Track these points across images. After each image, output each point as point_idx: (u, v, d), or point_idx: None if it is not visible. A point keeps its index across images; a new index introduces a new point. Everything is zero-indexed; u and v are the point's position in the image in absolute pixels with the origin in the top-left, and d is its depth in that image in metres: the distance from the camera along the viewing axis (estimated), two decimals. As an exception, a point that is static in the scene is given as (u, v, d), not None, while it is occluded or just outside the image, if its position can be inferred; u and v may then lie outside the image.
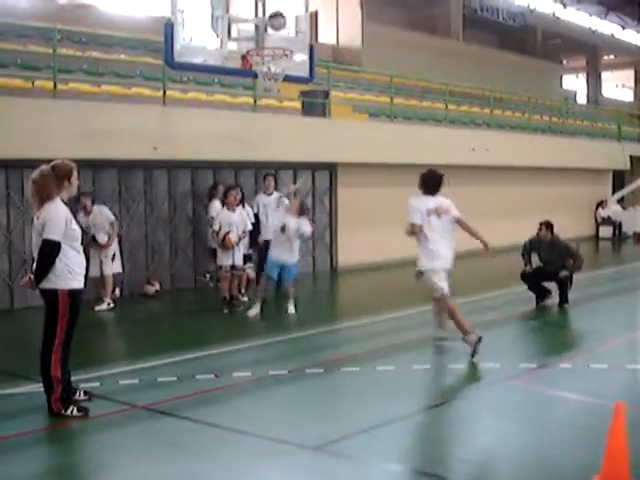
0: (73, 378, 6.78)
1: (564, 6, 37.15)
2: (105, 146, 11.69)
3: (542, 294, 11.98)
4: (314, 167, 15.71)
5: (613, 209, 25.32)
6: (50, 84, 12.26)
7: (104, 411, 6.63)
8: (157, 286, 12.81)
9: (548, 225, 12.05)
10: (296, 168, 15.22)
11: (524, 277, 12.02)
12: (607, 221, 24.96)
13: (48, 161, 6.54)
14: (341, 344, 9.67)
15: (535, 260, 12.14)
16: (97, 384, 7.36)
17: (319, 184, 15.99)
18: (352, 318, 11.19)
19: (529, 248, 12.19)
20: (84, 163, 11.66)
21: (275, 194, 12.69)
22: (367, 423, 6.28)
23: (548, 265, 11.93)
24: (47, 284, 6.34)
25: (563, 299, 11.83)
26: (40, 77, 13.50)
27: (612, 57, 45.77)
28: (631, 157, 26.61)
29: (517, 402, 7.09)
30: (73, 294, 6.41)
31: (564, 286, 11.82)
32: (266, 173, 13.08)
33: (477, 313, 11.06)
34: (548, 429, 6.21)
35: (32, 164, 7.12)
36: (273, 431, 6.10)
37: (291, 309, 11.20)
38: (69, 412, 6.39)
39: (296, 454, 5.67)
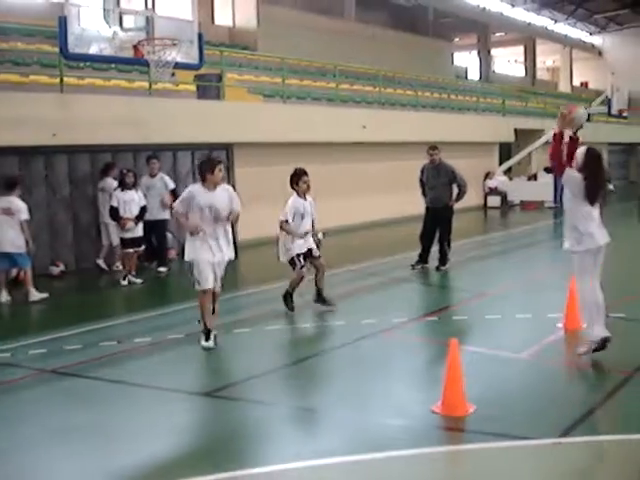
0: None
1: (454, -15, 38.60)
2: (4, 134, 12.14)
3: (423, 257, 13.06)
4: (211, 147, 16.41)
5: (500, 180, 26.88)
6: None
7: (14, 377, 7.34)
8: (62, 266, 13.38)
9: (434, 147, 13.14)
10: (194, 149, 15.93)
11: (421, 239, 13.05)
12: (494, 191, 26.47)
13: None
14: (237, 310, 10.52)
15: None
16: (8, 355, 8.03)
17: (216, 164, 16.69)
18: (248, 286, 12.10)
19: (421, 174, 13.23)
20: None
21: (159, 175, 13.40)
22: (251, 373, 7.22)
23: (434, 191, 12.91)
24: None
25: (442, 262, 12.97)
26: None
27: (502, 34, 47.53)
28: (517, 130, 28.24)
29: (383, 349, 8.12)
30: None
31: (443, 248, 12.94)
32: (149, 155, 13.69)
33: (362, 279, 12.18)
34: (398, 367, 7.36)
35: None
36: (167, 383, 6.96)
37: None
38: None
39: (187, 400, 6.55)
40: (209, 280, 8.10)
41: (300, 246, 9.66)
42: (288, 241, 9.65)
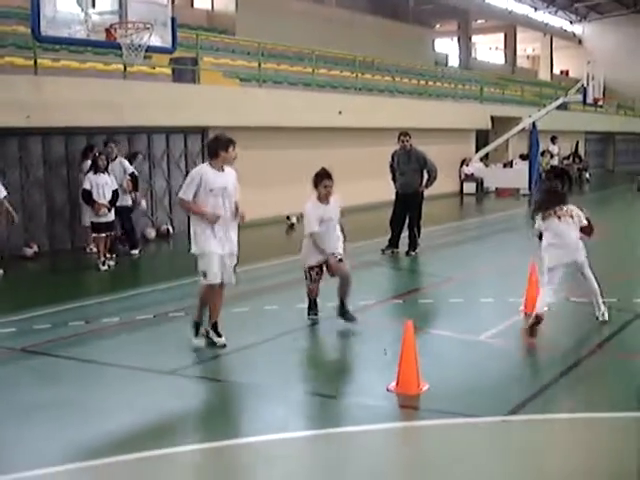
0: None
1: (435, -28, 38.71)
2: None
3: (393, 242, 13.25)
4: (186, 131, 16.52)
5: (476, 166, 27.12)
6: None
7: (-18, 354, 7.47)
8: (35, 248, 13.45)
9: (406, 134, 13.28)
10: (168, 132, 16.01)
11: (391, 224, 13.23)
12: (470, 178, 26.72)
13: None
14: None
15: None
16: (-24, 334, 8.15)
17: (191, 147, 16.82)
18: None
19: (391, 160, 13.42)
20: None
21: (118, 160, 13.21)
22: (216, 352, 7.39)
23: (404, 175, 13.10)
24: None
25: (412, 246, 13.16)
26: None
27: (483, 21, 47.70)
28: (494, 117, 28.45)
29: (345, 330, 8.28)
30: None
31: (413, 233, 13.13)
32: (107, 139, 13.51)
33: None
34: (358, 348, 7.63)
35: None
36: (135, 362, 7.12)
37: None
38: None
39: (152, 378, 6.71)
40: (218, 274, 7.37)
41: (316, 257, 8.44)
42: (307, 248, 8.52)
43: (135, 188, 13.33)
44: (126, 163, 13.40)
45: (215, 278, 7.37)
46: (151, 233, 15.32)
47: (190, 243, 7.51)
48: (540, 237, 8.15)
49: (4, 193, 11.59)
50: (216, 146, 7.44)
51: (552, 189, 8.54)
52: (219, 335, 7.54)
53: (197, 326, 7.63)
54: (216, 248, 7.33)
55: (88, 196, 12.14)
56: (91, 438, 5.38)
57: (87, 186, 12.12)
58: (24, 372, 7.04)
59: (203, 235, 7.31)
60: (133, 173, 13.30)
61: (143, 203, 14.35)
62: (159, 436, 5.44)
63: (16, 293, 10.95)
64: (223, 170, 7.43)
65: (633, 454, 4.52)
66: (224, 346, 7.42)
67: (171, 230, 15.71)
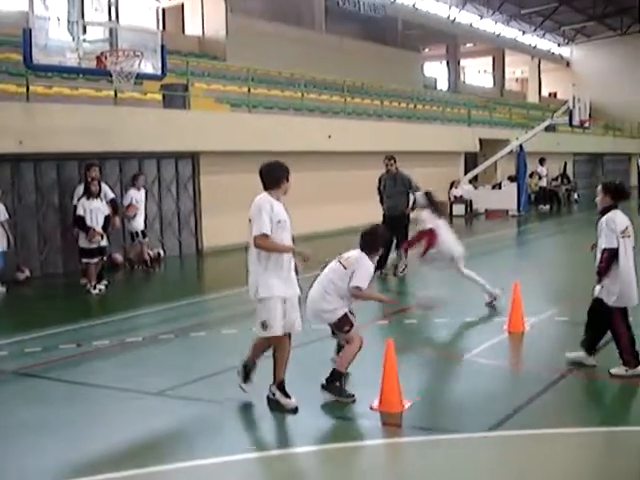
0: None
1: (424, -3, 39.24)
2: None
3: (381, 263, 13.40)
4: (177, 156, 16.72)
5: (465, 188, 27.36)
6: None
7: (-26, 377, 7.59)
8: (27, 272, 13.58)
9: (390, 157, 13.56)
10: (159, 157, 16.21)
11: None
12: (459, 200, 26.93)
13: None
14: (195, 314, 10.84)
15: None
16: (-32, 357, 8.27)
17: (182, 172, 17.01)
18: (210, 292, 12.40)
19: (379, 183, 13.69)
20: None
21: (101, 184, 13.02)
22: (204, 373, 7.53)
23: (391, 198, 13.40)
24: None
25: (399, 268, 13.32)
26: None
27: (472, 45, 48.25)
28: (482, 140, 28.77)
29: (330, 351, 8.40)
30: None
31: (400, 254, 13.32)
32: (88, 163, 13.24)
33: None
34: None
35: None
36: (124, 383, 7.24)
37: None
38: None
39: (140, 398, 6.84)
40: (280, 323, 6.38)
41: None
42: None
43: (115, 213, 13.34)
44: (106, 188, 13.39)
45: (279, 329, 6.37)
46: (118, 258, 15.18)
47: (251, 286, 6.43)
48: None
49: (5, 216, 12.20)
50: (279, 174, 6.58)
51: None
52: (287, 396, 6.44)
53: (247, 368, 6.67)
54: (283, 291, 6.39)
55: (82, 222, 12.20)
56: (80, 457, 5.52)
57: (80, 212, 12.20)
58: (15, 394, 7.16)
59: (270, 277, 6.31)
60: (114, 199, 13.38)
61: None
62: (147, 455, 5.57)
63: (8, 316, 11.09)
64: (279, 201, 6.59)
65: (616, 468, 4.67)
66: (296, 410, 6.35)
67: (162, 254, 15.86)
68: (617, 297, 7.10)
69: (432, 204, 10.71)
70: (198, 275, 16.00)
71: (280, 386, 6.51)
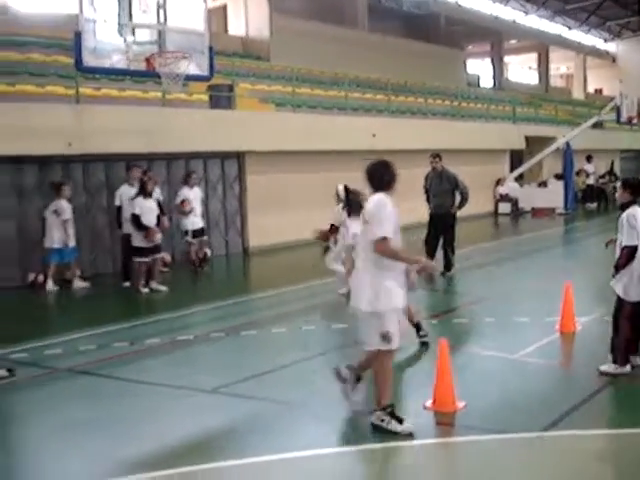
0: (4, 351, 7.90)
1: (467, -7, 38.94)
2: (22, 143, 12.59)
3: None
4: (223, 156, 16.85)
5: (510, 186, 27.11)
6: (-33, 86, 13.07)
7: (31, 374, 7.74)
8: (78, 272, 13.73)
9: (436, 155, 13.48)
10: (206, 158, 16.35)
11: (426, 245, 13.38)
12: (505, 198, 26.71)
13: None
14: (244, 313, 10.93)
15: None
16: (25, 355, 8.43)
17: (228, 171, 17.12)
18: (257, 291, 12.48)
19: (425, 181, 13.62)
20: (5, 159, 12.73)
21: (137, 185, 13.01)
22: (256, 371, 7.58)
23: (437, 196, 13.31)
24: None
25: (446, 267, 13.26)
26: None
27: (516, 42, 47.74)
28: (528, 137, 28.47)
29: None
30: None
31: (447, 254, 13.25)
32: (130, 163, 13.51)
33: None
34: (394, 367, 7.58)
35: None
36: (177, 381, 7.33)
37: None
38: (-3, 373, 7.41)
39: (193, 396, 6.92)
40: (398, 335, 5.88)
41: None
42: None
43: (162, 213, 13.36)
44: (156, 188, 13.38)
45: (397, 341, 5.87)
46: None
47: (364, 296, 5.83)
48: None
49: (70, 215, 12.66)
50: (392, 175, 6.06)
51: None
52: (400, 420, 5.86)
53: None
54: (398, 301, 5.89)
55: (138, 221, 12.25)
56: (132, 454, 5.60)
57: (137, 211, 12.23)
58: (69, 392, 7.29)
59: (391, 285, 5.81)
60: (158, 199, 13.42)
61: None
62: (201, 452, 5.62)
63: (62, 315, 11.31)
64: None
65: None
66: (411, 435, 5.80)
67: (208, 253, 15.92)
68: (631, 290, 7.08)
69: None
70: (245, 274, 16.10)
71: (388, 410, 5.85)
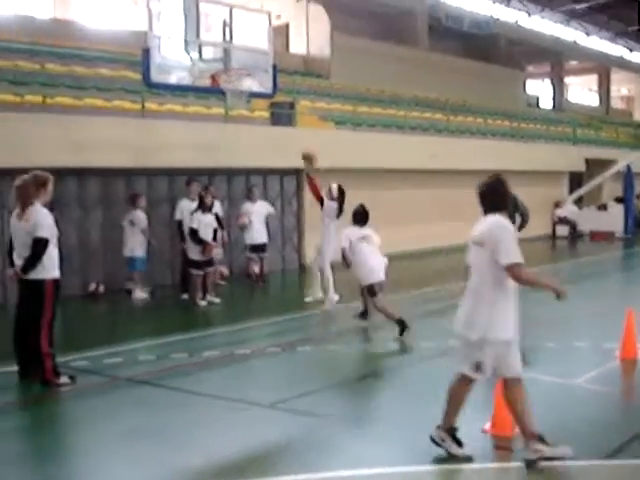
0: (66, 359, 8.08)
1: (528, 14, 38.73)
2: (89, 156, 12.93)
3: None
4: (282, 172, 17.01)
5: (569, 209, 26.77)
6: (38, 98, 13.46)
7: (92, 382, 7.91)
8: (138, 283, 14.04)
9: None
10: (265, 174, 16.53)
11: None
12: (563, 220, 26.38)
13: (39, 169, 7.87)
14: (299, 329, 11.00)
15: None
16: (86, 362, 8.62)
17: (287, 188, 17.29)
18: (311, 308, 12.53)
19: None
20: (70, 171, 13.06)
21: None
22: (313, 387, 7.62)
23: None
24: (35, 275, 7.57)
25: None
26: (28, 92, 14.68)
27: (576, 63, 47.28)
28: (588, 159, 28.11)
29: (439, 371, 8.37)
30: (55, 282, 7.69)
31: None
32: (191, 178, 13.76)
33: (425, 303, 12.51)
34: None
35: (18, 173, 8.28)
36: (234, 394, 7.41)
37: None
38: (61, 380, 7.65)
39: (252, 410, 6.98)
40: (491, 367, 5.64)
41: None
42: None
43: (221, 227, 13.50)
44: (217, 202, 13.59)
45: (489, 372, 5.70)
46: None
47: (471, 323, 5.61)
48: None
49: (145, 223, 13.22)
50: (507, 193, 5.92)
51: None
52: (459, 443, 5.80)
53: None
54: (515, 335, 5.62)
55: (196, 235, 12.41)
56: (189, 464, 5.66)
57: (194, 225, 12.42)
58: (127, 401, 7.41)
59: (508, 315, 5.55)
60: (217, 213, 13.46)
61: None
62: (255, 466, 5.64)
63: (122, 325, 11.53)
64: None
65: None
66: (470, 459, 5.75)
67: (225, 273, 15.84)
68: None
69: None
70: (300, 290, 16.15)
71: (451, 431, 5.82)
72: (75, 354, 8.81)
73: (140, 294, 13.29)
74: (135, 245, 13.25)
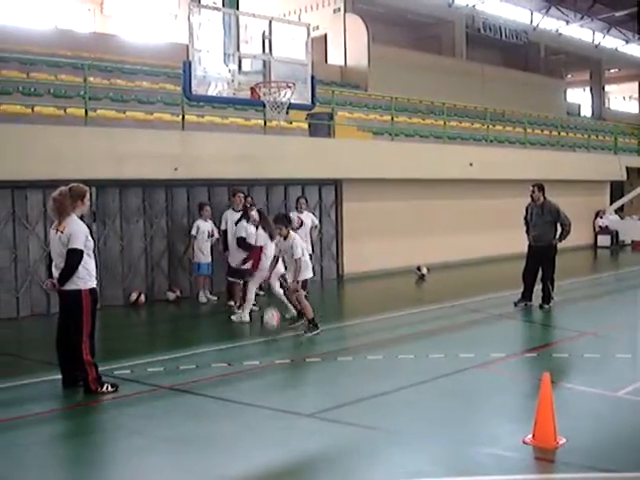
0: (108, 367, 8.20)
1: (567, 23, 38.44)
2: (130, 167, 13.12)
3: (526, 295, 13.18)
4: (321, 183, 17.07)
5: (611, 218, 26.36)
6: (81, 111, 13.69)
7: (134, 391, 8.01)
8: (178, 292, 14.21)
9: (540, 187, 13.23)
10: (304, 184, 16.60)
11: (524, 277, 13.21)
12: (605, 230, 26.04)
13: (82, 182, 8.02)
14: (339, 339, 11.00)
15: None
16: (128, 371, 8.73)
17: (325, 198, 17.33)
18: (354, 318, 12.54)
19: (525, 212, 13.38)
20: (112, 183, 13.26)
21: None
22: (353, 398, 7.64)
23: (537, 228, 13.05)
24: (71, 285, 7.70)
25: (545, 300, 13.02)
26: (70, 105, 14.95)
27: (617, 70, 46.76)
28: (629, 168, 27.73)
29: (478, 382, 8.37)
30: (92, 292, 7.80)
31: (546, 286, 13.00)
32: (235, 190, 13.89)
33: (463, 315, 12.45)
34: (492, 400, 7.62)
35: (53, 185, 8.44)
36: (274, 403, 7.45)
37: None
38: (104, 389, 7.77)
39: (292, 419, 7.02)
40: None
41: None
42: None
43: None
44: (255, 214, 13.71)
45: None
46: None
47: None
48: None
49: (194, 233, 13.80)
50: None
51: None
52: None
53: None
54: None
55: (245, 243, 12.54)
56: (233, 473, 5.71)
57: (243, 234, 12.58)
58: (168, 409, 7.48)
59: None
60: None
61: None
62: (294, 475, 5.71)
63: (163, 335, 11.65)
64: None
65: None
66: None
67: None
68: None
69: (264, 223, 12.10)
70: (340, 300, 16.19)
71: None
72: (117, 363, 8.93)
73: (203, 298, 14.08)
74: (200, 252, 13.85)
